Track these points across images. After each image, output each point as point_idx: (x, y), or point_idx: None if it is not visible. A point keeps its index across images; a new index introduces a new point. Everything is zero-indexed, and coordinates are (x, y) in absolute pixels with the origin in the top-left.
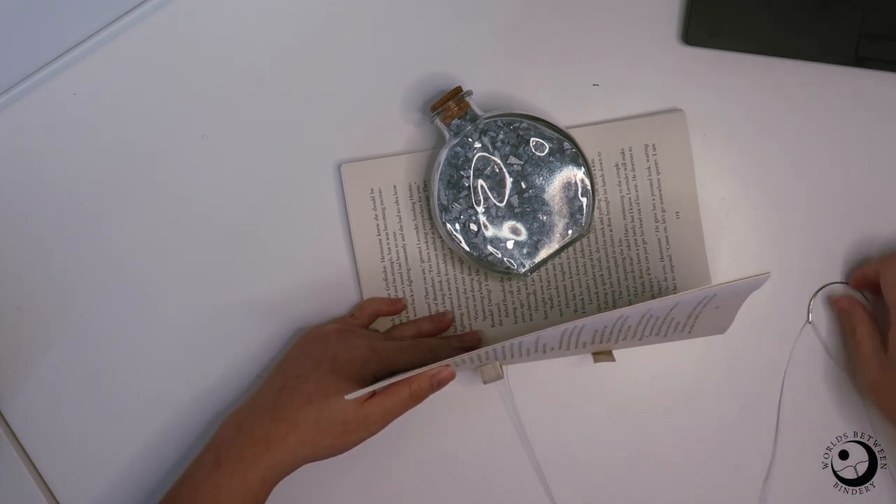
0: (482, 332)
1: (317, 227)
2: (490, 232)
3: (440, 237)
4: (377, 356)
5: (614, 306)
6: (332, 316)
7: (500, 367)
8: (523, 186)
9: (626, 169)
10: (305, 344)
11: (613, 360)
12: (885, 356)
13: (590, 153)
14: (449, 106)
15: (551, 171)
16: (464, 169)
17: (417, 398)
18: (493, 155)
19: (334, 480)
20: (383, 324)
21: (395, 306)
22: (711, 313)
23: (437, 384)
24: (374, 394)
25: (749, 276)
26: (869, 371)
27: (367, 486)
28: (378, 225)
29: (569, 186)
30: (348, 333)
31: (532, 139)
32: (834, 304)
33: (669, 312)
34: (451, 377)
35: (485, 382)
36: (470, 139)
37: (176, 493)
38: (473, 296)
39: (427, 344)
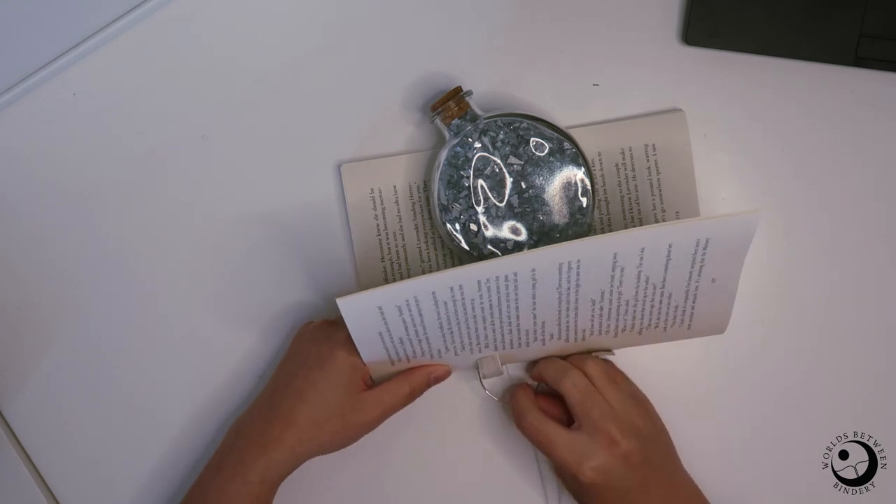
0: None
1: (317, 227)
2: (490, 232)
3: (440, 237)
4: None
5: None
6: (331, 316)
7: (501, 362)
8: (523, 186)
9: (626, 169)
10: (294, 344)
11: (612, 353)
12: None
13: (590, 153)
14: (449, 106)
15: (551, 171)
16: (464, 169)
17: (415, 393)
18: (493, 155)
19: (329, 477)
20: None
21: None
22: (708, 293)
23: (434, 380)
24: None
25: (739, 212)
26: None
27: (365, 485)
28: (378, 225)
29: (569, 186)
30: (330, 326)
31: (532, 139)
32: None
33: (665, 273)
34: (448, 374)
35: (484, 377)
36: (470, 139)
37: (186, 499)
38: None
39: None
